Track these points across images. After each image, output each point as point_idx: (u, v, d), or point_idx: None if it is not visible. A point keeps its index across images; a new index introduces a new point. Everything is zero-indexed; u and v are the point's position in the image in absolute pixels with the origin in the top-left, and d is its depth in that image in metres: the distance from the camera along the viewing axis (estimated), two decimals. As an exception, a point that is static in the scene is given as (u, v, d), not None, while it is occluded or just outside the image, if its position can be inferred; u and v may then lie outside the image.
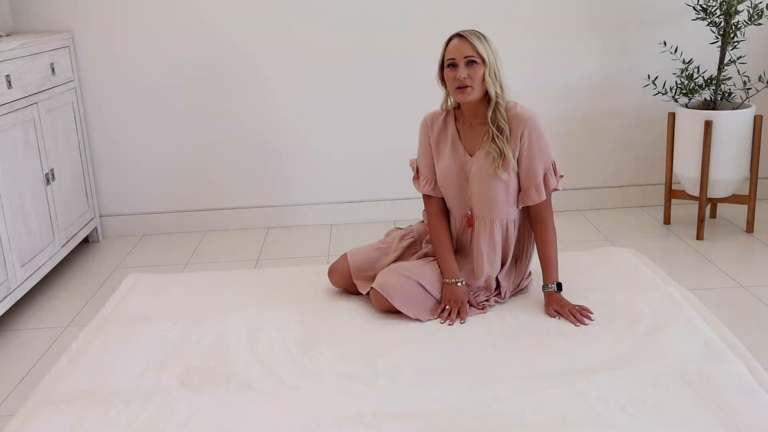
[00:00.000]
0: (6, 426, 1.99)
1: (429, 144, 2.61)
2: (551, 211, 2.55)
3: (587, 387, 2.03)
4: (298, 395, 2.06)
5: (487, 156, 2.47)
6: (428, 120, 2.62)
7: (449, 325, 2.43)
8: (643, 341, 2.27)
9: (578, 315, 2.43)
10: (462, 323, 2.44)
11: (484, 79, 2.41)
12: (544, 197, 2.49)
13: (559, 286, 2.53)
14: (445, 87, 2.52)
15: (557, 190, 2.52)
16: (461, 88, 2.41)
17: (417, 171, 2.69)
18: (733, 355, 2.15)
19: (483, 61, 2.40)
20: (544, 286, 2.54)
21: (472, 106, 2.49)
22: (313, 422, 1.93)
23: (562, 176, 2.53)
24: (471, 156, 2.52)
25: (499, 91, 2.43)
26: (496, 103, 2.44)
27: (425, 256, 2.65)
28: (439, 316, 2.48)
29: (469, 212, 2.56)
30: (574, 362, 2.17)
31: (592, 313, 2.45)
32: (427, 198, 2.66)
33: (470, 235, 2.59)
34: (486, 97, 2.46)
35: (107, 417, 1.99)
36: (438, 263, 2.57)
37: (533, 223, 2.56)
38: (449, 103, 2.57)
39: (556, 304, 2.49)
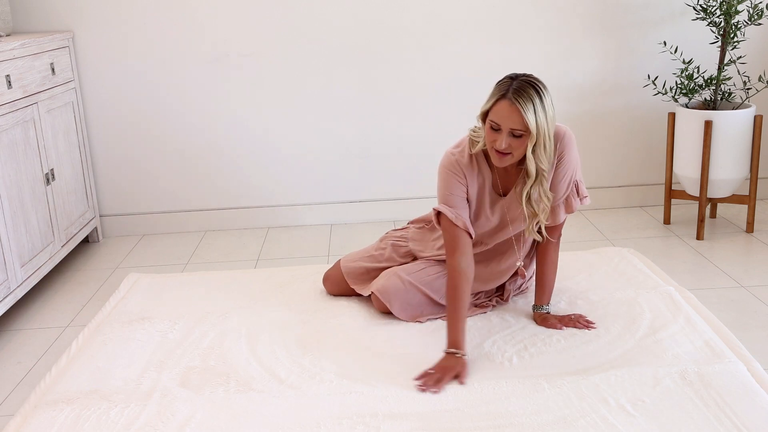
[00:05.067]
0: (6, 426, 2.00)
1: (465, 192, 2.29)
2: (560, 231, 2.41)
3: (587, 387, 2.03)
4: (298, 395, 2.07)
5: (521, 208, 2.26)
6: (460, 166, 2.28)
7: (422, 391, 2.04)
8: (643, 341, 2.27)
9: (582, 321, 2.39)
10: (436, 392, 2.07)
11: (526, 149, 2.12)
12: (559, 221, 2.34)
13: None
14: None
15: (575, 210, 2.36)
16: (500, 153, 2.15)
17: (439, 217, 2.31)
18: (733, 355, 2.15)
19: (530, 132, 2.11)
20: (537, 308, 2.45)
21: None
22: (313, 422, 1.93)
23: (585, 197, 2.34)
24: (505, 196, 2.32)
25: (541, 167, 2.16)
26: (537, 178, 2.18)
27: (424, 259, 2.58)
28: (419, 379, 2.10)
29: (520, 264, 2.46)
30: (574, 362, 2.17)
31: (587, 317, 2.43)
32: (455, 240, 2.25)
33: (492, 256, 2.47)
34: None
35: (107, 417, 1.99)
36: (447, 328, 2.22)
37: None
38: (479, 145, 2.25)
39: (554, 319, 2.41)
